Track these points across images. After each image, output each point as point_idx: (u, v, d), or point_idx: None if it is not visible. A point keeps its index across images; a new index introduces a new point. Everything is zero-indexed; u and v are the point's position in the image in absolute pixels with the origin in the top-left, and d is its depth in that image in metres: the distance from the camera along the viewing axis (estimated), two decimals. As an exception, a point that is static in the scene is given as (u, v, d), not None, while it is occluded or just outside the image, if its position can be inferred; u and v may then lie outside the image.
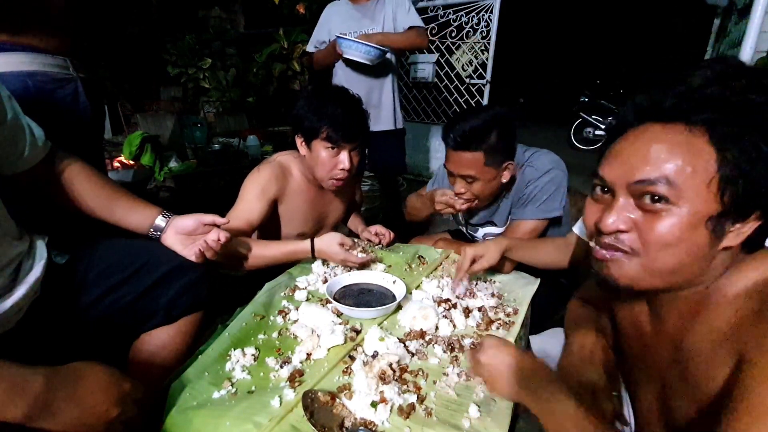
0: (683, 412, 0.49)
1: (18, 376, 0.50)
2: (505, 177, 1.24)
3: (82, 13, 1.11)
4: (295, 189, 1.33)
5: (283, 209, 1.33)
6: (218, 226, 0.95)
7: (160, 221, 0.91)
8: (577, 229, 1.17)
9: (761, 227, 0.49)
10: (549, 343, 0.88)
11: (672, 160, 0.49)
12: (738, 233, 0.49)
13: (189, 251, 0.90)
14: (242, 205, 1.23)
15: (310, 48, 2.27)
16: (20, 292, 0.70)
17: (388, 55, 2.04)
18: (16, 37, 0.97)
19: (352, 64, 2.04)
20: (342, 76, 2.12)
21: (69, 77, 1.07)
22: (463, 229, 1.56)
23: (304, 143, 1.25)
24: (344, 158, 1.22)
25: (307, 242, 1.17)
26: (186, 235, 0.92)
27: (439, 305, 1.02)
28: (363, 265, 1.19)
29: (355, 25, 2.05)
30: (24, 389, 0.50)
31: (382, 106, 2.15)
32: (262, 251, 1.16)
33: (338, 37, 1.93)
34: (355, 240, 1.21)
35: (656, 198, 0.50)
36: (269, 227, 1.32)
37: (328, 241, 1.16)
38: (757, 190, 0.46)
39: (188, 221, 0.91)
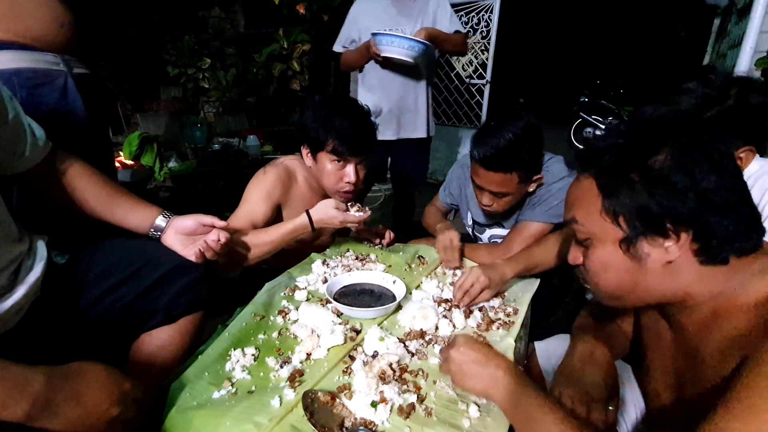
0: (696, 419, 0.50)
1: (19, 376, 0.50)
2: (532, 188, 1.24)
3: (85, 10, 1.10)
4: (299, 195, 1.31)
5: (286, 214, 1.31)
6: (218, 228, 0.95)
7: (160, 221, 0.91)
8: None
9: (705, 240, 0.53)
10: (554, 349, 0.88)
11: (578, 202, 0.62)
12: (671, 250, 0.54)
13: (189, 251, 0.90)
14: (246, 206, 1.22)
15: (337, 48, 2.07)
16: (20, 292, 0.70)
17: (410, 60, 1.79)
18: (7, 33, 0.96)
19: (388, 65, 1.87)
20: (373, 78, 1.96)
21: (57, 73, 1.05)
22: (469, 231, 1.56)
23: (309, 154, 1.23)
24: (350, 171, 1.20)
25: (304, 216, 1.15)
26: (186, 236, 0.92)
27: (439, 305, 1.02)
28: (363, 265, 1.19)
29: (390, 22, 1.88)
30: (25, 389, 0.50)
31: (419, 111, 1.99)
32: (262, 238, 1.14)
33: (375, 33, 1.72)
34: (348, 203, 1.21)
35: (578, 235, 0.62)
36: None
37: (324, 209, 1.14)
38: (646, 214, 0.53)
39: (188, 222, 0.92)
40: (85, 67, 1.14)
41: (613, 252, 0.58)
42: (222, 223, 0.94)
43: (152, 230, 0.91)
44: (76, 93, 1.09)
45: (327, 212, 1.14)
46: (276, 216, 1.27)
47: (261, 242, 1.14)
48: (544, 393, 0.61)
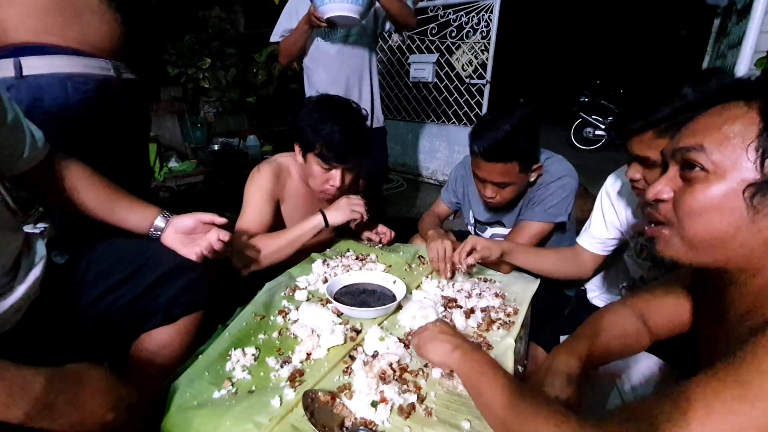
0: None
1: (20, 377, 0.50)
2: (532, 177, 1.26)
3: (136, 18, 1.17)
4: (294, 190, 1.33)
5: (284, 209, 1.33)
6: (218, 226, 0.95)
7: (159, 221, 0.92)
8: (583, 242, 1.16)
9: None
10: None
11: (716, 128, 0.51)
12: None
13: (189, 250, 0.90)
14: (250, 207, 1.23)
15: (275, 38, 1.97)
16: (19, 292, 0.70)
17: (355, 15, 1.64)
18: (64, 40, 1.03)
19: (334, 59, 1.83)
20: (322, 74, 1.93)
21: (107, 78, 1.11)
22: (471, 229, 1.56)
23: (301, 152, 1.26)
24: (336, 176, 1.22)
25: (319, 216, 1.22)
26: (185, 234, 0.92)
27: (446, 308, 1.02)
28: (363, 265, 1.19)
29: None
30: (25, 390, 0.50)
31: (362, 103, 1.95)
32: (279, 242, 1.20)
33: None
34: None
35: (692, 165, 0.52)
36: (273, 229, 1.32)
37: (338, 206, 1.22)
38: None
39: (188, 220, 0.92)
40: (132, 73, 1.20)
41: (732, 194, 0.49)
42: (222, 220, 0.94)
43: (152, 230, 0.91)
44: (123, 97, 1.15)
45: (339, 208, 1.20)
46: (275, 211, 1.29)
47: (278, 246, 1.19)
48: (495, 361, 0.68)
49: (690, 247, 0.54)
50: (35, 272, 0.74)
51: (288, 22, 1.95)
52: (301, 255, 1.28)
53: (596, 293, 1.23)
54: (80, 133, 1.06)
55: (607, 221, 1.10)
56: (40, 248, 0.78)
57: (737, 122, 0.50)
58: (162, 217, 0.92)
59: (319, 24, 1.69)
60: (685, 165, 0.54)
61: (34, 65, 1.01)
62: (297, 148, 1.26)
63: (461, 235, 1.63)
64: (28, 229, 0.80)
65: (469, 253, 1.13)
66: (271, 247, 1.19)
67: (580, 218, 1.32)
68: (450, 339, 0.73)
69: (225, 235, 0.94)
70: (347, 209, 1.19)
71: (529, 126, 1.15)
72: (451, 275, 1.19)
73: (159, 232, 0.91)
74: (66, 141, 1.01)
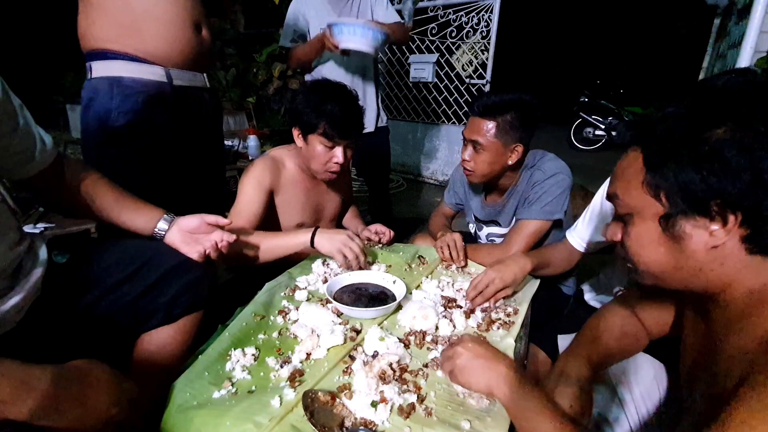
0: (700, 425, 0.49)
1: (24, 374, 0.51)
2: (512, 159, 1.27)
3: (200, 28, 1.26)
4: (290, 180, 1.37)
5: (279, 200, 1.36)
6: (222, 227, 0.95)
7: (162, 223, 0.92)
8: (570, 236, 1.19)
9: (755, 226, 0.49)
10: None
11: (620, 176, 0.59)
12: (716, 233, 0.50)
13: (190, 249, 0.91)
14: (243, 199, 1.28)
15: (285, 43, 2.00)
16: (21, 292, 0.70)
17: (371, 50, 1.79)
18: (123, 47, 1.11)
19: (338, 61, 1.86)
20: (326, 76, 1.94)
21: (157, 84, 1.16)
22: (472, 228, 1.57)
23: (300, 136, 1.29)
24: (339, 153, 1.27)
25: (309, 234, 1.19)
26: (189, 233, 0.93)
27: (446, 308, 1.02)
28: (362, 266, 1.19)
29: (331, 20, 1.84)
30: (31, 387, 0.50)
31: (367, 108, 1.99)
32: (267, 245, 1.20)
33: (331, 24, 1.65)
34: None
35: (618, 210, 0.60)
36: (268, 220, 1.34)
37: (333, 236, 1.18)
38: (690, 192, 0.50)
39: (192, 220, 0.93)
40: (190, 81, 1.25)
41: (652, 228, 0.55)
42: (225, 222, 0.95)
43: (156, 230, 0.92)
44: (169, 103, 1.19)
45: (333, 236, 1.17)
46: (269, 202, 1.33)
47: (266, 248, 1.19)
48: (546, 392, 0.61)
49: (649, 275, 0.59)
50: (37, 272, 0.74)
51: (295, 22, 1.97)
52: (301, 255, 1.29)
53: (593, 294, 1.24)
54: (123, 132, 1.14)
55: (596, 225, 1.12)
56: (41, 248, 0.78)
57: (632, 167, 0.56)
58: (164, 220, 0.93)
59: (332, 50, 1.73)
60: (616, 211, 0.61)
61: (99, 68, 1.14)
62: (296, 132, 1.30)
63: (464, 239, 1.64)
64: (28, 229, 0.80)
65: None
66: (255, 246, 1.20)
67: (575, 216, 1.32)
68: (493, 366, 0.65)
69: (230, 237, 0.95)
70: (339, 245, 1.14)
71: (522, 105, 1.22)
72: (464, 263, 1.28)
73: (163, 232, 0.92)
74: (107, 138, 1.14)
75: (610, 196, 0.61)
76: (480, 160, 1.27)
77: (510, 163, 1.28)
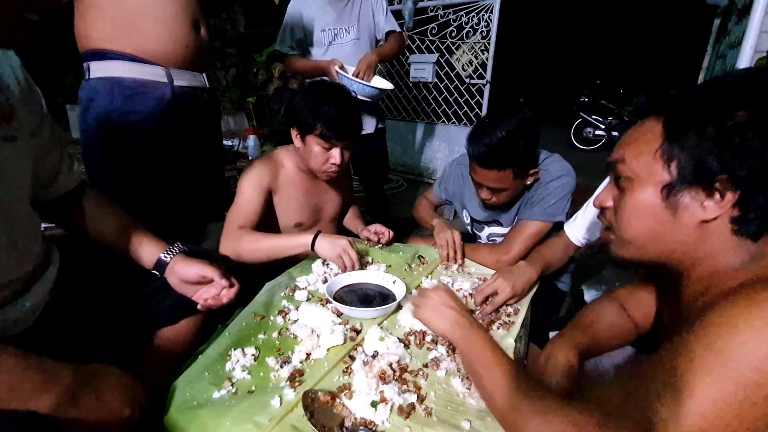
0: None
1: (50, 368, 0.53)
2: (529, 181, 1.25)
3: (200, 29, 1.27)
4: (288, 179, 1.37)
5: (278, 200, 1.37)
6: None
7: (162, 259, 0.88)
8: (568, 230, 1.21)
9: (745, 208, 0.51)
10: None
11: (633, 141, 0.60)
12: (710, 208, 0.53)
13: (193, 292, 0.89)
14: (241, 197, 1.28)
15: (283, 48, 2.01)
16: (37, 293, 0.72)
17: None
18: (123, 47, 1.11)
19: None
20: (326, 78, 1.98)
21: (158, 84, 1.16)
22: (468, 229, 1.56)
23: (298, 136, 1.29)
24: (336, 154, 1.26)
25: (310, 237, 1.19)
26: (182, 282, 0.88)
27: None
28: (362, 266, 1.19)
29: (331, 22, 1.95)
30: (55, 380, 0.53)
31: (367, 109, 2.05)
32: (263, 245, 1.21)
33: (340, 74, 1.80)
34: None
35: (619, 176, 0.62)
36: (267, 220, 1.35)
37: (334, 241, 1.18)
38: (702, 165, 0.52)
39: (190, 271, 0.87)
40: (190, 81, 1.25)
41: (652, 196, 0.57)
42: (223, 282, 0.87)
43: (155, 268, 0.88)
44: (170, 104, 1.19)
45: (335, 241, 1.16)
46: (268, 202, 1.34)
47: (258, 247, 1.21)
48: (495, 342, 0.68)
49: (634, 246, 0.62)
50: (51, 274, 0.76)
51: (295, 24, 1.97)
52: (301, 254, 1.29)
53: (593, 293, 1.24)
54: (123, 133, 1.15)
55: (591, 224, 1.13)
56: (55, 252, 0.80)
57: (648, 134, 0.58)
58: (165, 254, 0.88)
59: (324, 76, 1.86)
60: (616, 176, 0.63)
61: (97, 69, 1.14)
62: (294, 133, 1.30)
63: (462, 238, 1.64)
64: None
65: (485, 300, 1.05)
66: (253, 245, 1.21)
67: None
68: (456, 313, 0.72)
69: (230, 294, 0.89)
70: (339, 250, 1.14)
71: (527, 132, 1.13)
72: (461, 262, 1.26)
73: (162, 269, 0.88)
74: (108, 139, 1.15)
75: (614, 161, 0.62)
76: (503, 196, 1.23)
77: (528, 183, 1.26)
